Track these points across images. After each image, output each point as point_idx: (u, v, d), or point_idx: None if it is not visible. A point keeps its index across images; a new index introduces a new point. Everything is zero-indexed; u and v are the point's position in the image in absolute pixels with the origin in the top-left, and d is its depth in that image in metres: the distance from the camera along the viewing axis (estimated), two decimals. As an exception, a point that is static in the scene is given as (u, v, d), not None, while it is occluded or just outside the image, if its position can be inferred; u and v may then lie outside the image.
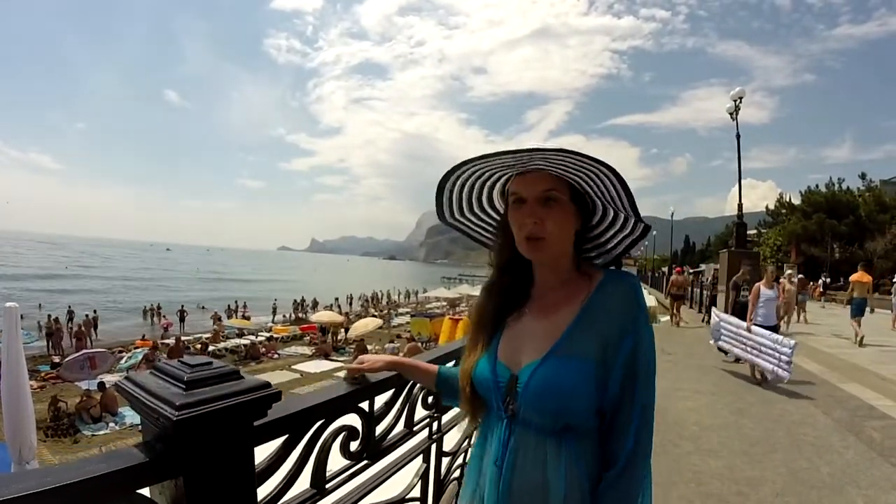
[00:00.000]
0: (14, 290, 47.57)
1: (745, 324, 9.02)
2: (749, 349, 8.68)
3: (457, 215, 1.47)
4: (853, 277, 14.13)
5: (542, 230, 1.21)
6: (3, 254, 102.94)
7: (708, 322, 16.87)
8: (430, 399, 1.99)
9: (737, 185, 16.63)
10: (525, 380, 1.21)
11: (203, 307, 43.40)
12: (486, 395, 1.31)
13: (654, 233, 72.92)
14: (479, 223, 1.50)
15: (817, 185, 51.00)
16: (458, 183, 1.35)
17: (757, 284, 9.28)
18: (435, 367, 1.58)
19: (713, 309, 9.85)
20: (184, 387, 0.98)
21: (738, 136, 16.69)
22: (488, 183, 1.37)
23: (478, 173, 1.31)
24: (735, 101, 16.45)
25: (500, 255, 1.40)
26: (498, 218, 1.44)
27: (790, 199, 55.09)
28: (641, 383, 1.17)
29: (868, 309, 13.75)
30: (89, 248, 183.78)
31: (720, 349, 10.12)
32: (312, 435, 1.36)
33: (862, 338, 12.26)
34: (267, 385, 1.07)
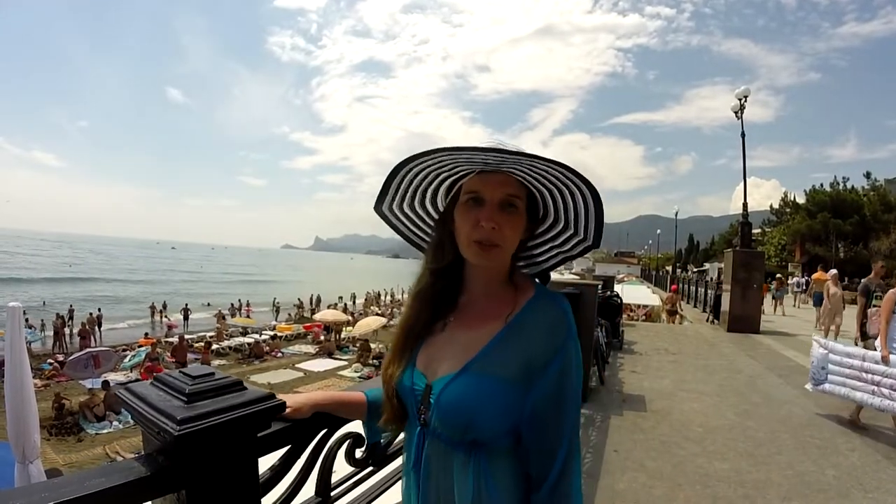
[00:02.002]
0: (17, 289, 47.63)
1: (875, 353, 6.18)
2: (887, 391, 5.79)
3: (395, 209, 1.37)
4: (814, 276, 19.23)
5: (499, 237, 1.15)
6: (7, 252, 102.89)
7: (712, 321, 16.86)
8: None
9: (741, 184, 16.56)
10: (437, 392, 1.18)
11: (208, 304, 43.48)
12: (405, 400, 1.27)
13: (658, 231, 72.93)
14: (415, 220, 1.41)
15: (822, 184, 51.05)
16: (413, 173, 1.24)
17: (892, 291, 6.38)
18: (361, 396, 1.42)
19: (815, 339, 7.04)
20: (185, 399, 0.95)
21: (742, 135, 16.60)
22: (441, 177, 1.26)
23: (436, 166, 1.20)
24: (740, 99, 16.33)
25: (438, 257, 1.30)
26: (435, 216, 1.36)
27: (794, 198, 55.15)
28: (567, 410, 1.13)
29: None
30: (93, 247, 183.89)
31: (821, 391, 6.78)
32: (317, 444, 1.34)
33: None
34: (271, 396, 1.05)
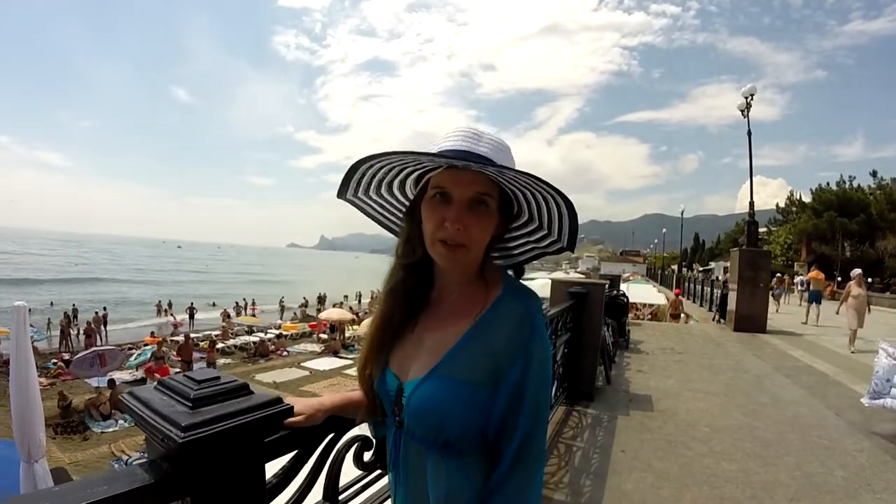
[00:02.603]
0: (25, 288, 47.76)
1: None
2: None
3: (360, 194, 1.32)
4: (810, 275, 20.42)
5: (465, 237, 1.12)
6: (13, 253, 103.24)
7: (719, 321, 16.81)
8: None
9: (747, 183, 16.49)
10: (408, 394, 1.16)
11: (214, 304, 43.58)
12: (381, 401, 1.26)
13: (664, 230, 72.73)
14: (384, 203, 1.36)
15: (828, 183, 50.90)
16: (375, 168, 1.20)
17: None
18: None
19: (882, 346, 5.90)
20: (190, 405, 0.92)
21: (749, 134, 16.52)
22: (406, 170, 1.21)
23: (399, 163, 1.17)
24: (747, 98, 16.27)
25: (409, 252, 1.27)
26: (405, 203, 1.32)
27: (801, 196, 55.03)
28: (527, 410, 1.10)
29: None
30: (99, 246, 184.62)
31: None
32: (325, 447, 1.32)
33: (818, 315, 17.49)
34: (278, 400, 1.02)
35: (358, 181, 1.26)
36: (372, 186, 1.29)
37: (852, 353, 11.29)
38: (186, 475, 0.91)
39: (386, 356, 1.26)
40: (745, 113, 16.35)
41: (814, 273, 19.96)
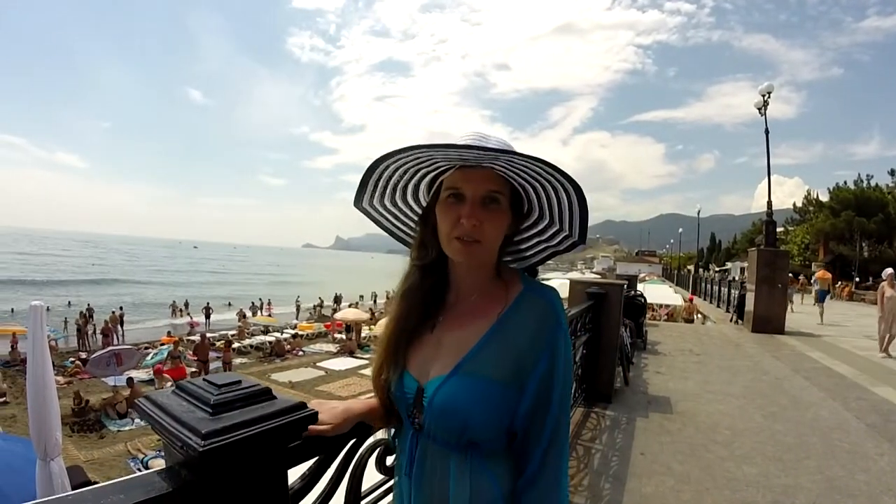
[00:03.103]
0: (43, 289, 48.24)
1: None
2: None
3: (375, 203, 1.34)
4: (818, 275, 22.46)
5: (479, 233, 1.13)
6: (30, 254, 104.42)
7: (736, 322, 16.68)
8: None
9: (763, 182, 16.36)
10: (430, 394, 1.16)
11: (229, 304, 43.84)
12: (397, 405, 1.26)
13: (680, 230, 72.27)
14: (397, 213, 1.38)
15: (845, 182, 50.28)
16: (391, 169, 1.22)
17: None
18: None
19: None
20: (210, 411, 0.88)
21: (766, 132, 16.37)
22: (420, 173, 1.24)
23: (414, 162, 1.19)
24: (764, 95, 16.13)
25: (423, 254, 1.28)
26: (419, 211, 1.34)
27: (818, 196, 54.53)
28: (554, 408, 1.11)
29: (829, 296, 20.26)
30: (117, 246, 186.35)
31: None
32: (347, 452, 1.28)
33: (821, 313, 18.09)
34: (302, 406, 0.98)
35: (374, 185, 1.28)
36: (387, 193, 1.31)
37: (884, 357, 11.00)
38: (206, 483, 0.87)
39: (403, 359, 1.25)
40: (763, 111, 16.21)
41: (820, 273, 21.64)
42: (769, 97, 16.14)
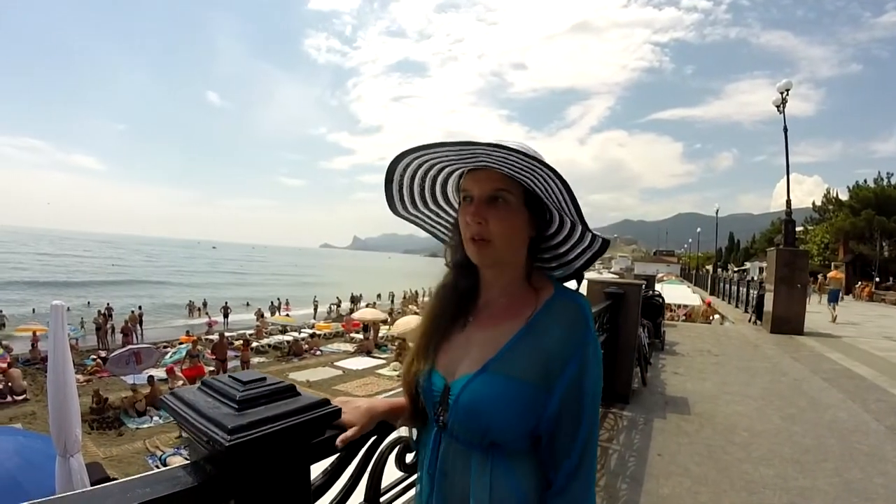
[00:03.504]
0: (63, 290, 48.69)
1: None
2: None
3: (410, 209, 1.38)
4: (830, 275, 21.79)
5: (486, 231, 1.15)
6: (49, 255, 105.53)
7: (755, 322, 16.55)
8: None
9: (782, 181, 16.24)
10: (456, 392, 1.16)
11: (247, 304, 44.11)
12: (424, 401, 1.27)
13: (699, 230, 71.69)
14: (437, 218, 1.42)
15: (865, 180, 49.56)
16: (409, 174, 1.27)
17: None
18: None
19: None
20: (236, 406, 0.90)
21: (785, 130, 16.19)
22: (440, 177, 1.29)
23: (425, 166, 1.24)
24: (782, 93, 15.94)
25: (455, 256, 1.32)
26: (455, 215, 1.37)
27: (837, 194, 53.84)
28: (586, 410, 1.11)
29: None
30: (135, 246, 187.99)
31: None
32: (368, 449, 1.30)
33: (835, 317, 17.68)
34: (326, 402, 1.00)
35: (399, 193, 1.32)
36: (417, 200, 1.36)
37: None
38: (231, 478, 0.89)
39: (433, 356, 1.26)
40: (781, 108, 16.01)
41: (833, 273, 21.39)
42: (787, 94, 15.95)
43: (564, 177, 1.04)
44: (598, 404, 1.15)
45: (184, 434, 0.99)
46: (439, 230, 1.44)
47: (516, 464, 1.13)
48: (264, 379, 0.99)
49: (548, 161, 1.04)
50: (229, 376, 0.99)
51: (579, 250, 1.28)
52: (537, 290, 1.20)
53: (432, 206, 1.38)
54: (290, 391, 0.99)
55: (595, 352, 1.13)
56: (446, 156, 1.15)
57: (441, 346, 1.27)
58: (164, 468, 0.94)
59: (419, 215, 1.41)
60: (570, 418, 1.10)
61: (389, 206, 1.36)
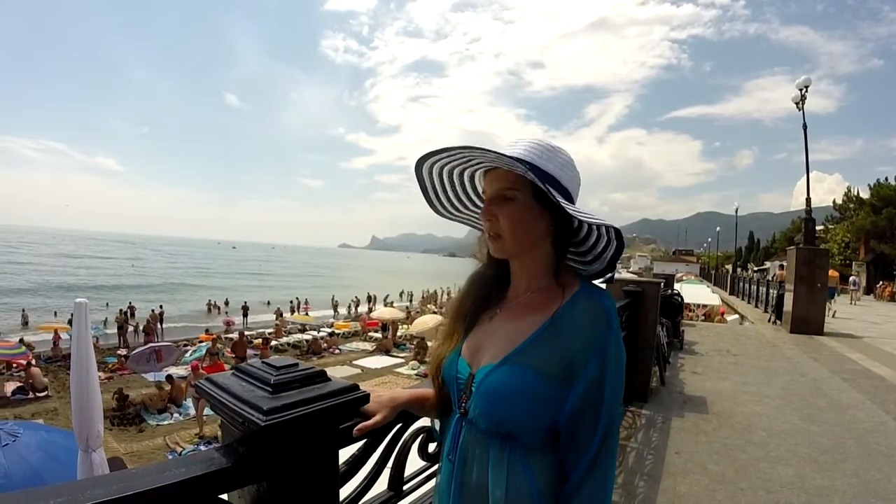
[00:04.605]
0: (86, 290, 49.15)
1: None
2: None
3: (451, 210, 1.44)
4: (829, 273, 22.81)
5: (497, 227, 1.21)
6: (71, 256, 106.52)
7: (774, 322, 16.41)
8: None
9: (802, 179, 16.03)
10: (479, 380, 1.19)
11: (268, 303, 44.33)
12: (449, 388, 1.30)
13: (718, 229, 70.96)
14: (476, 215, 1.45)
15: (886, 178, 48.80)
16: (436, 178, 1.34)
17: None
18: (432, 391, 1.42)
19: None
20: (270, 390, 0.94)
21: (804, 128, 16.01)
22: (465, 176, 1.35)
23: (447, 168, 1.30)
24: (801, 90, 15.73)
25: (485, 251, 1.36)
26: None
27: (858, 192, 53.08)
28: (605, 408, 1.12)
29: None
30: (157, 247, 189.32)
31: None
32: (392, 437, 1.33)
33: (834, 312, 18.61)
34: (355, 387, 1.04)
35: (435, 196, 1.40)
36: (454, 200, 1.42)
37: None
38: (264, 459, 0.93)
39: (459, 344, 1.30)
40: (800, 106, 15.80)
41: (832, 272, 20.94)
42: (807, 91, 15.72)
43: (566, 177, 1.16)
44: (620, 404, 1.17)
45: (218, 419, 1.02)
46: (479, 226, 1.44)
47: (534, 458, 1.15)
48: (296, 364, 1.03)
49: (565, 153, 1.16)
50: (262, 362, 1.03)
51: (602, 245, 1.28)
52: (564, 286, 1.22)
53: (469, 205, 1.43)
54: (321, 376, 1.02)
55: (617, 351, 1.14)
56: (459, 158, 1.22)
57: (469, 334, 1.31)
58: (200, 450, 0.98)
59: (463, 213, 1.46)
60: (589, 416, 1.11)
61: (434, 210, 1.44)
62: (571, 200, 1.21)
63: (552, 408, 1.13)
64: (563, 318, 1.16)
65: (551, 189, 1.12)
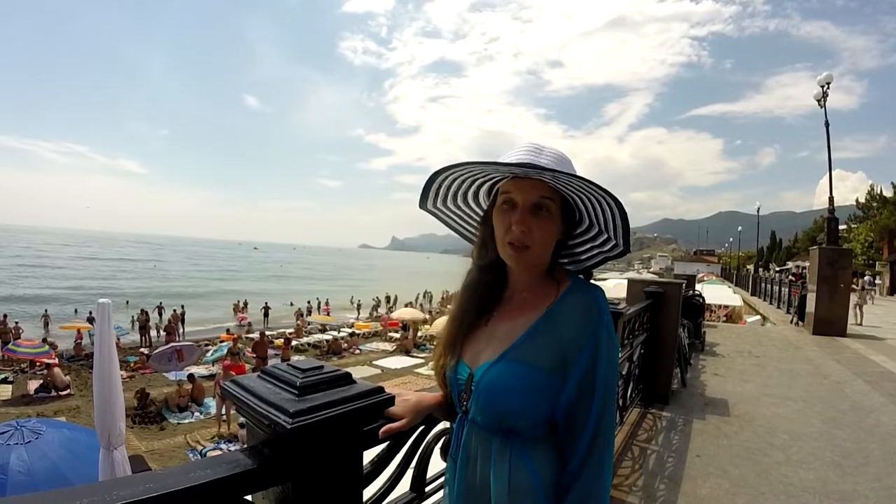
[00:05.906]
0: (106, 290, 49.60)
1: None
2: None
3: (439, 205, 1.44)
4: None
5: (529, 239, 1.21)
6: (97, 258, 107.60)
7: (797, 323, 16.22)
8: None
9: (825, 178, 15.82)
10: (478, 378, 1.23)
11: (291, 303, 44.56)
12: (451, 390, 1.34)
13: (740, 228, 70.23)
14: (461, 214, 1.47)
15: (910, 176, 48.01)
16: (449, 180, 1.33)
17: None
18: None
19: None
20: (297, 392, 0.95)
21: (826, 125, 15.76)
22: (478, 181, 1.34)
23: (470, 174, 1.29)
24: (822, 86, 15.50)
25: (483, 254, 1.37)
26: (480, 213, 1.43)
27: (881, 191, 52.27)
28: (598, 398, 1.15)
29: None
30: (179, 247, 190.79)
31: None
32: (415, 440, 1.34)
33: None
34: (380, 390, 1.04)
35: (436, 192, 1.38)
36: (449, 197, 1.41)
37: None
38: (289, 461, 0.94)
39: (460, 349, 1.33)
40: (822, 103, 15.55)
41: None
42: (828, 88, 15.47)
43: (614, 195, 1.12)
44: (614, 392, 1.19)
45: (242, 420, 1.02)
46: (463, 227, 1.50)
47: (534, 451, 1.18)
48: (322, 367, 1.03)
49: (582, 167, 1.15)
50: (287, 364, 1.03)
51: (594, 252, 1.35)
52: (558, 282, 1.26)
53: (461, 204, 1.44)
54: (347, 378, 1.03)
55: (609, 339, 1.17)
56: (489, 169, 1.23)
57: (468, 339, 1.33)
58: (225, 452, 0.99)
59: (444, 210, 1.46)
60: (583, 405, 1.14)
61: (420, 202, 1.42)
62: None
63: (550, 399, 1.16)
64: (557, 313, 1.20)
65: (590, 199, 1.18)
